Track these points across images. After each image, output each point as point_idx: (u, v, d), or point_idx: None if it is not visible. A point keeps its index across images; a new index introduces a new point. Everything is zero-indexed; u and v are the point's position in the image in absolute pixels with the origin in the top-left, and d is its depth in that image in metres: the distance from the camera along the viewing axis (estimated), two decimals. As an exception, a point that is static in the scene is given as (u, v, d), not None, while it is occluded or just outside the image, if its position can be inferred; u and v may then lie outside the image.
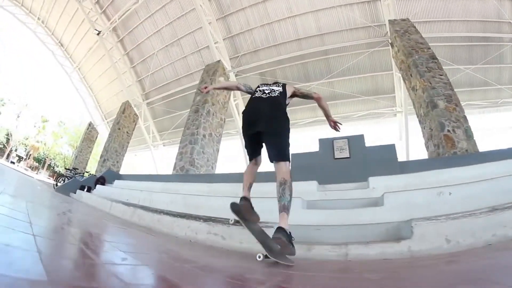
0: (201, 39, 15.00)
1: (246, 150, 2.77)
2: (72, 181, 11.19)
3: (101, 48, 18.83)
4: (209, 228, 3.14)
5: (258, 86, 2.94)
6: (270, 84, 2.94)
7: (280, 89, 2.83)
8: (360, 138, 6.14)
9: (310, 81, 14.63)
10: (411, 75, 9.00)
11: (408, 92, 9.84)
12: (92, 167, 22.06)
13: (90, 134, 22.46)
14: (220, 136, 12.01)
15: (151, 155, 20.53)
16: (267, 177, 3.29)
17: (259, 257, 1.95)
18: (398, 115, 14.87)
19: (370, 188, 4.16)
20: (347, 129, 14.43)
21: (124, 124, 17.52)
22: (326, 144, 6.23)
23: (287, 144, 2.52)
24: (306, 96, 2.97)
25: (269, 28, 13.99)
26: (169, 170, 11.86)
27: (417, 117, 8.82)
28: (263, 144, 2.68)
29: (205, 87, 3.12)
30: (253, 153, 2.78)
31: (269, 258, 1.87)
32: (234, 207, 2.51)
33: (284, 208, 2.16)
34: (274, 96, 2.72)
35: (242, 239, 2.74)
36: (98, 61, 20.38)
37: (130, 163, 23.59)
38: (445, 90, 7.92)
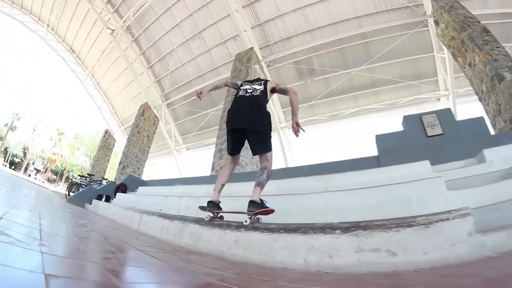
0: (226, 29, 13.65)
1: (227, 146, 3.03)
2: (87, 189, 9.78)
3: (115, 50, 17.79)
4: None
5: (242, 84, 3.20)
6: (252, 82, 3.15)
7: (262, 87, 3.06)
8: (449, 112, 5.65)
9: (350, 67, 13.12)
10: (466, 50, 8.21)
11: (462, 69, 8.82)
12: (110, 177, 20.90)
13: (106, 142, 21.37)
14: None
15: (174, 160, 19.13)
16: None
17: (245, 221, 2.44)
18: (442, 99, 13.24)
19: (487, 162, 3.59)
20: (395, 118, 12.81)
21: (144, 127, 16.14)
22: (413, 122, 5.56)
23: (269, 138, 2.87)
24: (283, 91, 3.13)
25: (301, 13, 12.50)
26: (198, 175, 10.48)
27: (477, 94, 8.10)
28: (245, 142, 2.98)
29: (200, 92, 3.24)
30: (234, 150, 3.02)
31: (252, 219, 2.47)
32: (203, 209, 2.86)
33: (259, 184, 2.62)
34: (256, 95, 2.98)
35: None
36: (112, 65, 19.35)
37: (149, 172, 22.31)
38: (507, 62, 7.18)
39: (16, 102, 51.41)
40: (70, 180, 12.64)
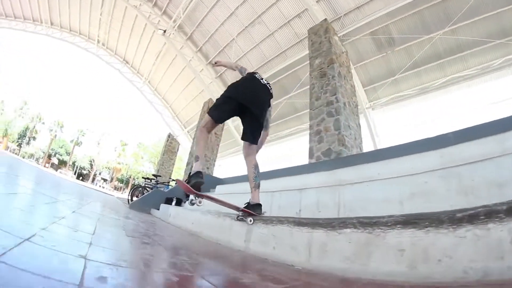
0: (288, 8, 12.89)
1: (218, 111, 2.80)
2: (153, 192, 8.65)
3: (170, 52, 18.17)
4: None
5: (254, 73, 3.13)
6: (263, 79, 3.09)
7: (271, 90, 3.12)
8: None
9: (431, 32, 11.41)
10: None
11: None
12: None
13: (170, 145, 21.92)
14: (356, 108, 9.51)
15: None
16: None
17: (250, 221, 2.52)
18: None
19: None
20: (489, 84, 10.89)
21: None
22: None
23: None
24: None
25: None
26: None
27: None
28: (239, 119, 2.94)
29: (216, 62, 3.58)
30: (226, 118, 2.91)
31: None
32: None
33: (257, 186, 2.75)
34: (270, 89, 3.08)
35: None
36: (168, 68, 19.81)
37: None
38: None
39: (80, 119, 58.99)
40: (133, 184, 10.82)
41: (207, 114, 2.79)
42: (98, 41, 21.94)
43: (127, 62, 22.42)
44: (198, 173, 2.54)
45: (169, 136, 22.15)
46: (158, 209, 6.93)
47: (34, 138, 58.65)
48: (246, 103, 2.75)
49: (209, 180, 9.04)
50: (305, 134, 14.92)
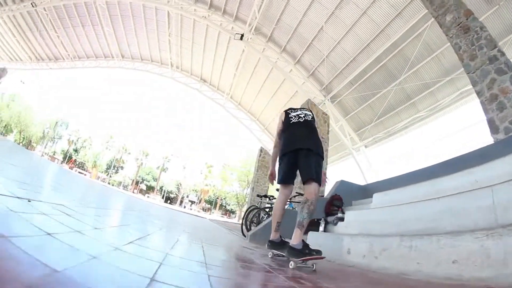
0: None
1: (282, 174, 3.06)
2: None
3: (250, 61, 17.71)
4: None
5: (288, 114, 3.28)
6: (297, 110, 3.34)
7: (311, 114, 3.35)
8: None
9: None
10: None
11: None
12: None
13: (263, 160, 20.71)
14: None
15: (355, 161, 17.10)
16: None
17: (291, 264, 2.44)
18: None
19: None
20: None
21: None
22: None
23: (322, 164, 3.02)
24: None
25: None
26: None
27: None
28: (296, 170, 3.03)
29: (271, 174, 3.49)
30: (289, 176, 3.06)
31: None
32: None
33: (300, 225, 2.66)
34: (309, 120, 3.22)
35: None
36: (250, 78, 19.28)
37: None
38: None
39: (165, 146, 66.75)
40: (250, 207, 7.42)
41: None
42: (172, 64, 22.19)
43: (204, 81, 22.64)
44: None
45: (261, 150, 21.12)
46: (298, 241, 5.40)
47: (121, 167, 66.33)
48: (294, 148, 2.96)
49: (347, 189, 7.48)
50: (423, 124, 14.37)
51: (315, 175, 2.74)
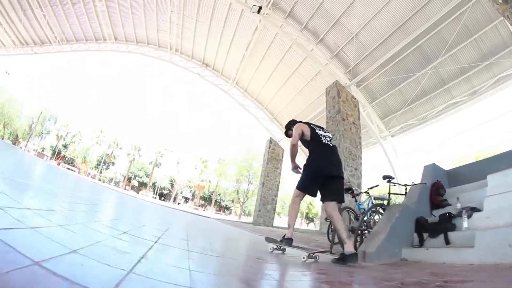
0: None
1: (306, 185, 3.57)
2: (402, 217, 4.35)
3: (262, 42, 16.04)
4: None
5: (315, 130, 3.76)
6: (321, 129, 3.87)
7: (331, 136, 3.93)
8: None
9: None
10: None
11: None
12: (282, 193, 18.73)
13: (273, 152, 19.43)
14: None
15: (383, 151, 15.59)
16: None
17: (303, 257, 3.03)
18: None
19: None
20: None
21: (346, 111, 12.21)
22: None
23: None
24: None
25: None
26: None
27: None
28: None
29: (296, 167, 3.90)
30: (314, 191, 3.57)
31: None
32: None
33: (350, 236, 3.67)
34: (335, 145, 3.84)
35: None
36: (261, 62, 17.49)
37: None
38: None
39: (158, 141, 65.89)
40: (344, 207, 5.10)
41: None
42: (171, 47, 20.28)
43: (207, 65, 20.80)
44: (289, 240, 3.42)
45: (270, 141, 19.64)
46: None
47: (112, 163, 64.76)
48: (333, 174, 3.54)
49: (443, 175, 6.07)
50: (457, 110, 13.59)
51: (343, 197, 3.66)
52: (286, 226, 3.72)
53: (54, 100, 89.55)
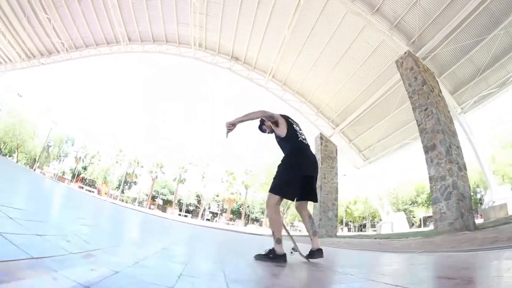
0: None
1: (293, 192, 3.32)
2: None
3: (304, 22, 14.42)
4: None
5: (292, 125, 3.57)
6: (297, 124, 3.72)
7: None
8: None
9: None
10: None
11: None
12: (341, 194, 17.16)
13: (326, 150, 17.88)
14: None
15: (462, 129, 14.15)
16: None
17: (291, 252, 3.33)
18: None
19: None
20: None
21: (431, 82, 10.60)
22: None
23: None
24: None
25: None
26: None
27: None
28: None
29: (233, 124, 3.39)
30: (304, 194, 3.46)
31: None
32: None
33: (316, 233, 3.49)
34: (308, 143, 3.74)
35: None
36: (303, 48, 15.90)
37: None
38: None
39: (181, 155, 63.89)
40: None
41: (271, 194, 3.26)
42: (194, 43, 18.75)
43: (237, 59, 19.32)
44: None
45: (321, 138, 17.77)
46: None
47: (135, 182, 64.63)
48: (311, 174, 3.48)
49: None
50: None
51: (316, 197, 3.62)
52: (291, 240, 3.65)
53: (68, 120, 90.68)
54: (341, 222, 55.96)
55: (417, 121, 10.27)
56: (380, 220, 30.74)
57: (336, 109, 18.35)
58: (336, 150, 18.57)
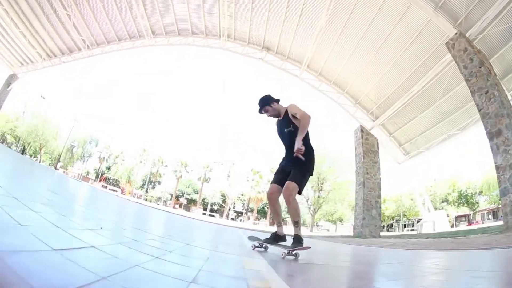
0: None
1: (303, 187, 3.63)
2: None
3: (341, 6, 13.69)
4: None
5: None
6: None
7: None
8: None
9: None
10: None
11: None
12: (382, 194, 17.02)
13: (367, 143, 17.15)
14: None
15: None
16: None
17: (282, 254, 3.23)
18: None
19: None
20: None
21: (487, 65, 10.04)
22: None
23: None
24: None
25: None
26: None
27: None
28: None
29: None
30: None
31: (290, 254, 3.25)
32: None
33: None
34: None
35: None
36: (340, 34, 15.16)
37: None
38: None
39: (206, 154, 64.34)
40: None
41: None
42: (222, 34, 18.09)
43: (268, 49, 18.70)
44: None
45: (362, 130, 17.03)
46: None
47: (159, 182, 66.11)
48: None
49: None
50: None
51: None
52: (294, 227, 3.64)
53: (92, 120, 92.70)
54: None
55: (477, 105, 9.63)
56: (418, 219, 29.50)
57: (376, 100, 17.59)
58: (378, 143, 17.87)
